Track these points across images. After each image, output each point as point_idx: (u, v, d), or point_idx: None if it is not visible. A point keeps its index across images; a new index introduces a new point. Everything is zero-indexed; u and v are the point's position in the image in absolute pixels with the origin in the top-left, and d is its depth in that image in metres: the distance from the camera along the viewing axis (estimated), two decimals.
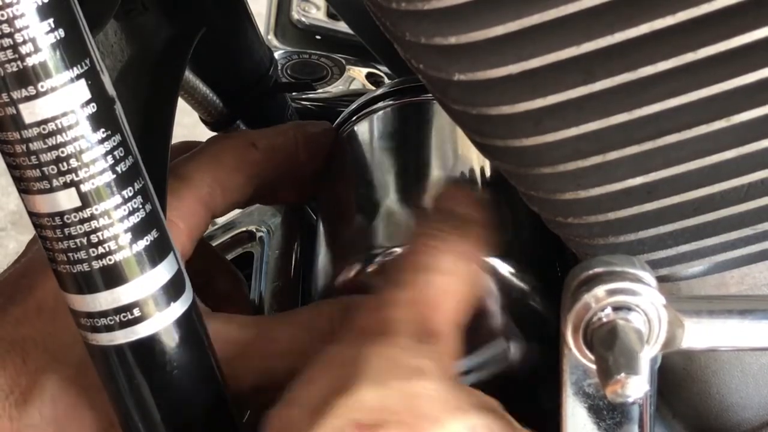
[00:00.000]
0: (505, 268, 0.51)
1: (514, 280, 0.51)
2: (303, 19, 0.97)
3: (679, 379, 0.52)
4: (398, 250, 0.51)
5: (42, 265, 0.48)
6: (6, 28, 0.36)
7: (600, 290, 0.39)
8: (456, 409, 0.41)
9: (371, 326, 0.43)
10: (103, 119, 0.38)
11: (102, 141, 0.38)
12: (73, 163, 0.38)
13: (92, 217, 0.39)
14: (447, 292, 0.45)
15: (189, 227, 0.52)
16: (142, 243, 0.40)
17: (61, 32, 0.37)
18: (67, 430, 0.46)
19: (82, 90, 0.38)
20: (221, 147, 0.57)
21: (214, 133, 0.72)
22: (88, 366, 0.46)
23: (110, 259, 0.40)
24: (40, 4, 0.36)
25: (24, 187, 0.39)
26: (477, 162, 0.57)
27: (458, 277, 0.45)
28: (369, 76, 0.88)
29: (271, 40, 0.96)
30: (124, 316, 0.41)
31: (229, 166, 0.56)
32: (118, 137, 0.39)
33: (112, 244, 0.39)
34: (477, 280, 0.48)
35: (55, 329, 0.47)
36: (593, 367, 0.40)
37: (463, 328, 0.45)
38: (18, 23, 0.36)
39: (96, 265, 0.40)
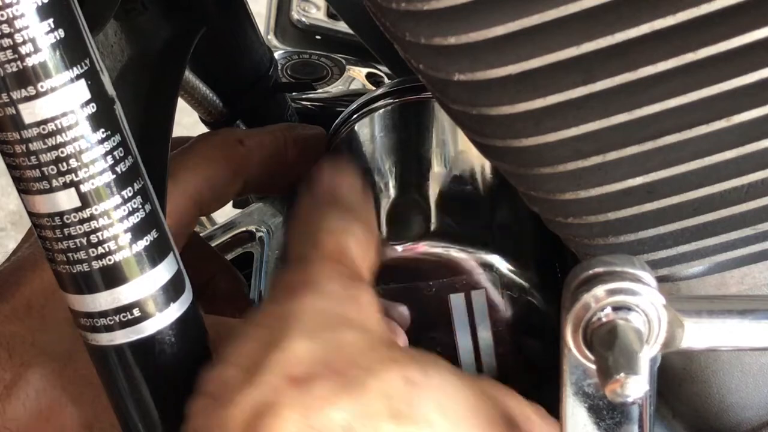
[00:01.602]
0: (503, 265, 0.51)
1: (514, 276, 0.51)
2: (303, 19, 0.97)
3: (679, 379, 0.52)
4: (399, 247, 0.51)
5: (31, 263, 0.49)
6: (6, 28, 0.36)
7: (600, 290, 0.39)
8: (389, 359, 0.41)
9: (295, 282, 0.44)
10: (102, 119, 0.38)
11: (102, 141, 0.38)
12: (73, 163, 0.38)
13: (92, 218, 0.39)
14: (355, 248, 0.47)
15: (177, 224, 0.52)
16: (142, 243, 0.40)
17: (61, 32, 0.37)
18: (51, 423, 0.46)
19: (81, 90, 0.38)
20: (208, 143, 0.58)
21: None
22: (74, 360, 0.46)
23: (110, 259, 0.40)
24: (40, 4, 0.36)
25: (24, 187, 0.39)
26: (477, 160, 0.57)
27: (362, 236, 0.47)
28: (369, 76, 0.88)
29: (271, 40, 0.96)
30: (124, 316, 0.41)
31: (216, 163, 0.57)
32: (117, 137, 0.39)
33: (111, 244, 0.39)
34: (375, 245, 0.49)
35: (44, 326, 0.47)
36: (593, 366, 0.40)
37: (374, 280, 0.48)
38: (18, 23, 0.36)
39: (96, 265, 0.40)
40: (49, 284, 0.48)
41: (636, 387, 0.36)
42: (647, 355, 0.40)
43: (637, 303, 0.39)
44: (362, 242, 0.47)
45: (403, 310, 0.52)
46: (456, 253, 0.51)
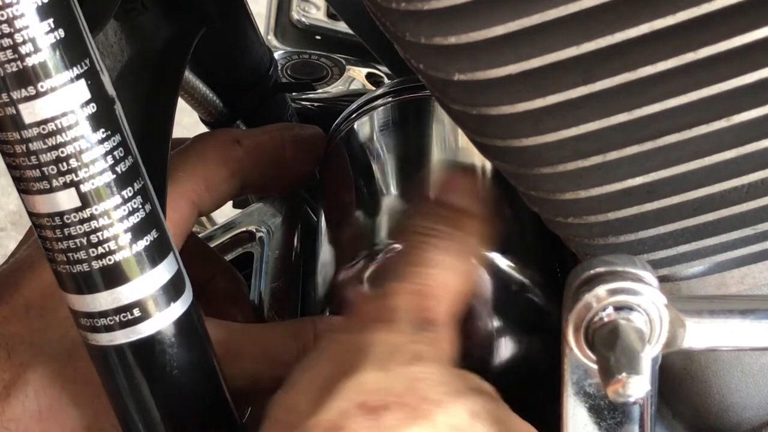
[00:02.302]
0: (504, 262, 0.51)
1: (515, 273, 0.51)
2: (303, 19, 0.97)
3: (679, 379, 0.52)
4: (399, 246, 0.51)
5: (29, 264, 0.49)
6: (6, 28, 0.36)
7: (601, 290, 0.39)
8: (456, 392, 0.42)
9: (372, 315, 0.45)
10: (103, 119, 0.38)
11: (102, 141, 0.38)
12: (73, 163, 0.38)
13: (92, 217, 0.39)
14: (444, 284, 0.46)
15: (175, 225, 0.52)
16: (142, 243, 0.40)
17: (61, 32, 0.37)
18: (50, 423, 0.46)
19: (81, 90, 0.38)
20: (206, 144, 0.58)
21: None
22: (74, 360, 0.46)
23: (110, 259, 0.40)
24: (40, 4, 0.36)
25: (24, 187, 0.39)
26: (477, 157, 0.57)
27: (454, 271, 0.47)
28: (369, 76, 0.88)
29: (271, 40, 0.96)
30: (124, 316, 0.41)
31: (213, 162, 0.57)
32: (118, 137, 0.39)
33: (111, 244, 0.39)
34: (472, 274, 0.49)
35: (43, 326, 0.48)
36: (594, 366, 0.40)
37: (459, 319, 0.46)
38: (18, 23, 0.36)
39: (96, 265, 0.40)
40: (48, 285, 0.48)
41: (638, 387, 0.36)
42: (649, 354, 0.40)
43: (638, 303, 0.39)
44: (451, 277, 0.46)
45: None
46: None
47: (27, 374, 0.46)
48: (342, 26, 0.94)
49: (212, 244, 0.74)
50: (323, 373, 0.42)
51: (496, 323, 0.52)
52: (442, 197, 0.50)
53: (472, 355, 0.53)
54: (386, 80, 0.87)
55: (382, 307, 0.45)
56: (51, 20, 0.36)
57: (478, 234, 0.49)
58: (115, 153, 0.39)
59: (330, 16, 0.97)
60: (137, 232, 0.40)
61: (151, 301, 0.41)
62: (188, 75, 0.67)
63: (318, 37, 0.96)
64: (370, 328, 0.44)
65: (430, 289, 0.46)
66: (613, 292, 0.39)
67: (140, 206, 0.40)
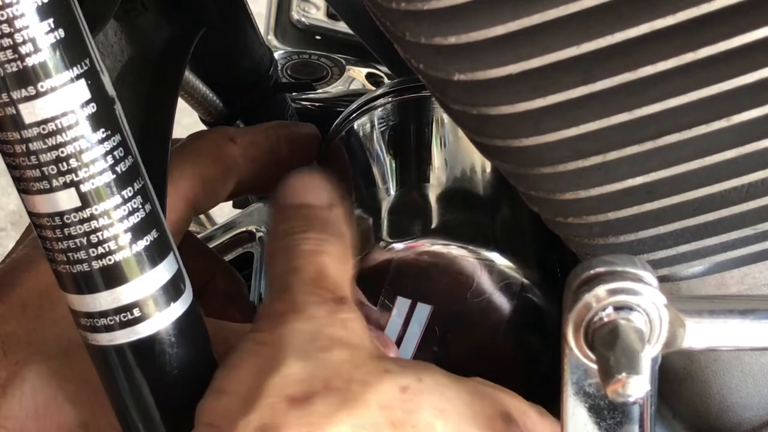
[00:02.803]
0: (503, 262, 0.51)
1: (514, 273, 0.51)
2: (303, 19, 0.97)
3: (679, 379, 0.52)
4: (399, 245, 0.52)
5: (25, 264, 0.49)
6: (6, 28, 0.35)
7: (601, 290, 0.39)
8: (382, 370, 0.42)
9: (280, 308, 0.44)
10: (103, 119, 0.38)
11: (102, 141, 0.38)
12: (73, 163, 0.38)
13: (92, 217, 0.39)
14: (333, 268, 0.46)
15: (171, 224, 0.53)
16: (142, 243, 0.40)
17: (61, 32, 0.37)
18: (47, 421, 0.46)
19: (82, 90, 0.38)
20: (200, 142, 0.58)
21: None
22: (71, 359, 0.46)
23: (110, 259, 0.40)
24: (40, 4, 0.36)
25: (24, 187, 0.39)
26: (477, 158, 0.57)
27: (337, 255, 0.47)
28: (369, 76, 0.88)
29: (271, 40, 0.96)
30: (124, 316, 0.41)
31: (208, 160, 0.57)
32: (118, 137, 0.39)
33: (112, 244, 0.39)
34: (351, 252, 0.49)
35: (39, 325, 0.48)
36: (594, 366, 0.40)
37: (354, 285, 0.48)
38: (18, 23, 0.36)
39: (96, 265, 0.40)
40: (44, 284, 0.48)
41: (638, 387, 0.36)
42: (649, 354, 0.39)
43: (638, 303, 0.39)
44: (338, 258, 0.47)
45: (380, 315, 0.52)
46: (456, 250, 0.51)
47: (23, 372, 0.46)
48: (342, 26, 0.94)
49: (212, 244, 0.74)
50: (247, 372, 0.42)
51: (495, 323, 0.53)
52: (287, 201, 0.50)
53: (471, 355, 0.53)
54: (386, 80, 0.87)
55: (288, 301, 0.45)
56: (51, 20, 0.36)
57: (335, 217, 0.49)
58: (115, 153, 0.39)
59: (330, 16, 0.97)
60: (137, 232, 0.40)
61: (151, 301, 0.41)
62: (188, 75, 0.67)
63: (318, 37, 0.96)
64: (282, 321, 0.44)
65: (325, 275, 0.46)
66: (613, 292, 0.39)
67: (140, 206, 0.40)
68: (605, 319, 0.39)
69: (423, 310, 0.53)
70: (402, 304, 0.53)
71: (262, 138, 0.60)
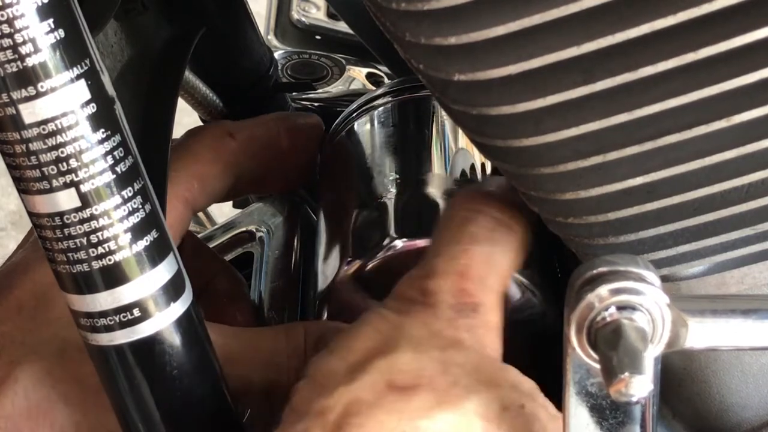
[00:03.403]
0: None
1: (514, 273, 0.51)
2: (303, 19, 0.97)
3: (679, 379, 0.52)
4: (399, 243, 0.52)
5: (23, 267, 0.49)
6: (6, 28, 0.35)
7: (604, 290, 0.39)
8: (490, 382, 0.42)
9: (413, 295, 0.45)
10: (103, 119, 0.38)
11: (102, 141, 0.38)
12: (73, 163, 0.38)
13: (92, 217, 0.39)
14: (487, 262, 0.45)
15: (170, 224, 0.52)
16: (142, 243, 0.40)
17: (61, 32, 0.37)
18: (40, 420, 0.47)
19: (82, 90, 0.38)
20: (197, 139, 0.58)
21: None
22: (65, 359, 0.46)
23: (110, 259, 0.40)
24: (40, 4, 0.36)
25: (24, 187, 0.39)
26: (477, 157, 0.57)
27: (500, 247, 0.46)
28: (369, 76, 0.88)
29: (271, 40, 0.96)
30: (124, 316, 0.41)
31: (205, 158, 0.56)
32: (118, 137, 0.39)
33: (111, 244, 0.39)
34: (521, 248, 0.47)
35: (34, 326, 0.48)
36: (596, 366, 0.40)
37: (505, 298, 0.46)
38: (18, 23, 0.36)
39: (96, 265, 0.40)
40: (41, 287, 0.48)
41: (641, 387, 0.36)
42: (651, 354, 0.39)
43: (641, 302, 0.39)
44: (499, 255, 0.45)
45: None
46: None
47: (17, 372, 0.47)
48: (342, 26, 0.94)
49: (212, 244, 0.74)
50: (362, 345, 0.43)
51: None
52: (486, 189, 0.49)
53: None
54: (386, 80, 0.87)
55: (422, 288, 0.45)
56: (51, 20, 0.36)
57: (521, 214, 0.47)
58: (115, 153, 0.39)
59: (330, 16, 0.97)
60: (137, 232, 0.40)
61: (151, 301, 0.41)
62: (188, 75, 0.67)
63: (318, 37, 0.96)
64: (410, 310, 0.44)
65: (474, 272, 0.45)
66: (616, 292, 0.39)
67: (140, 206, 0.40)
68: (608, 319, 0.39)
69: None
70: None
71: (261, 131, 0.60)
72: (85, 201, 0.39)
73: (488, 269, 0.45)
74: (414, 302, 0.44)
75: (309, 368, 0.44)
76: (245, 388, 0.50)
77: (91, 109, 0.38)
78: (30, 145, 0.37)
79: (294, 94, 0.82)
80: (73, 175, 0.38)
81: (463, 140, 0.58)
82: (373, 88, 0.84)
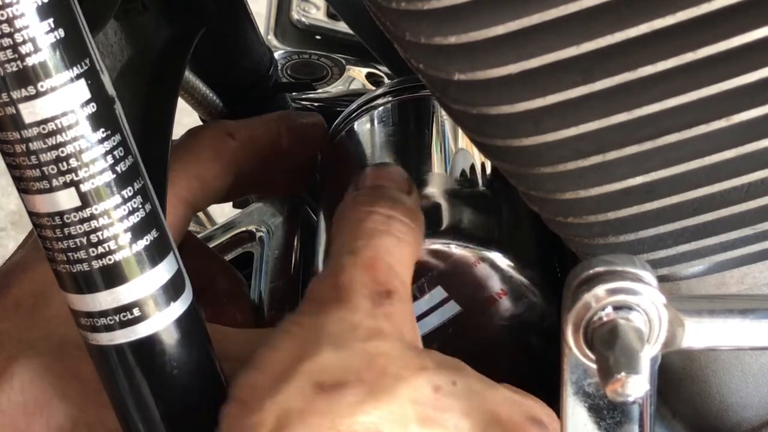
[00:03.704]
0: (504, 262, 0.51)
1: (514, 273, 0.51)
2: (303, 19, 0.97)
3: (678, 379, 0.52)
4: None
5: (21, 266, 0.50)
6: (6, 28, 0.36)
7: (600, 289, 0.39)
8: (418, 367, 0.42)
9: (327, 293, 0.44)
10: (103, 119, 0.38)
11: (102, 141, 0.38)
12: (73, 162, 0.38)
13: (92, 217, 0.39)
14: (391, 253, 0.46)
15: (169, 225, 0.52)
16: (142, 243, 0.40)
17: (61, 32, 0.37)
18: (35, 416, 0.47)
19: (81, 90, 0.38)
20: (197, 139, 0.57)
21: None
22: (62, 356, 0.46)
23: (110, 259, 0.40)
24: (40, 4, 0.36)
25: (24, 186, 0.39)
26: (477, 156, 0.57)
27: (396, 238, 0.46)
28: (369, 76, 0.88)
29: (271, 40, 0.96)
30: (124, 316, 0.41)
31: (205, 158, 0.56)
32: (117, 137, 0.39)
33: (111, 244, 0.39)
34: (417, 241, 0.48)
35: (31, 323, 0.48)
36: (594, 366, 0.40)
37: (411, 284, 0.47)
38: (18, 23, 0.36)
39: (96, 264, 0.40)
40: (39, 285, 0.48)
41: (637, 386, 0.37)
42: (648, 354, 0.40)
43: (638, 302, 0.39)
44: (403, 241, 0.46)
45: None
46: (457, 249, 0.51)
47: (13, 368, 0.47)
48: (342, 26, 0.94)
49: (212, 244, 0.74)
50: (283, 354, 0.43)
51: (495, 323, 0.53)
52: (365, 183, 0.50)
53: (470, 355, 0.53)
54: (386, 80, 0.87)
55: (335, 285, 0.44)
56: (51, 20, 0.36)
57: (409, 202, 0.48)
58: (115, 153, 0.39)
59: (330, 16, 0.97)
60: (137, 231, 0.40)
61: (151, 300, 0.41)
62: (188, 75, 0.67)
63: (318, 37, 0.96)
64: (325, 308, 0.44)
65: (381, 261, 0.45)
66: (612, 292, 0.39)
67: (140, 206, 0.40)
68: (604, 319, 0.39)
69: (451, 309, 0.53)
70: (438, 294, 0.52)
71: (261, 131, 0.60)
72: (85, 200, 0.39)
73: (393, 258, 0.46)
74: (328, 301, 0.44)
75: (232, 389, 0.43)
76: None
77: (91, 108, 0.38)
78: (30, 144, 0.37)
79: (294, 94, 0.82)
80: (73, 174, 0.38)
81: (463, 140, 0.58)
82: (373, 88, 0.84)
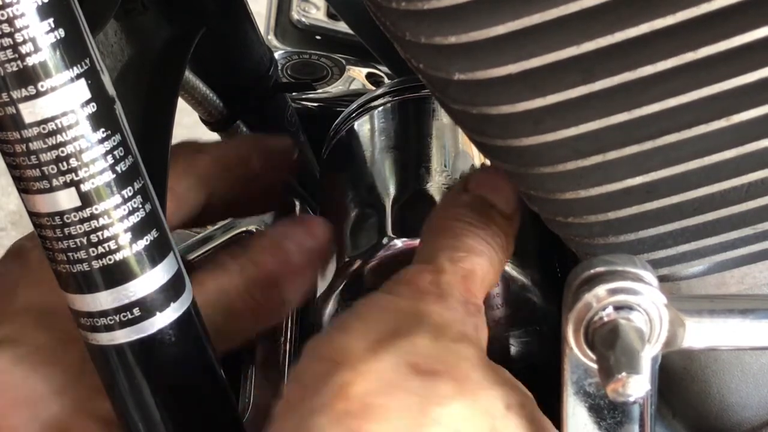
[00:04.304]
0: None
1: (514, 273, 0.51)
2: (303, 19, 0.97)
3: (679, 379, 0.52)
4: (398, 243, 0.52)
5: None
6: (6, 28, 0.36)
7: (601, 289, 0.39)
8: (494, 381, 0.42)
9: (425, 286, 0.45)
10: (103, 119, 0.38)
11: (102, 141, 0.38)
12: (73, 162, 0.38)
13: (92, 217, 0.39)
14: (486, 273, 0.47)
15: None
16: (142, 243, 0.40)
17: (61, 32, 0.37)
18: (18, 401, 0.46)
19: (82, 90, 0.38)
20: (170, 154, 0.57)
21: (214, 134, 0.72)
22: (54, 346, 0.46)
23: (110, 259, 0.40)
24: (40, 4, 0.36)
25: (24, 186, 0.39)
26: (477, 157, 0.57)
27: (492, 262, 0.47)
28: (369, 76, 0.88)
29: (271, 40, 0.96)
30: (125, 316, 0.41)
31: (177, 171, 0.55)
32: (118, 137, 0.39)
33: (111, 244, 0.39)
34: (502, 268, 0.49)
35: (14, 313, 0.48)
36: (594, 366, 0.40)
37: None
38: (18, 23, 0.36)
39: (96, 264, 0.40)
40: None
41: (638, 386, 0.37)
42: (649, 354, 0.40)
43: (638, 302, 0.39)
44: (491, 268, 0.47)
45: None
46: None
47: None
48: (342, 26, 0.95)
49: (212, 244, 0.74)
50: (377, 326, 0.43)
51: (495, 323, 0.53)
52: (477, 190, 0.50)
53: None
54: (386, 80, 0.87)
55: (435, 281, 0.45)
56: (51, 20, 0.36)
57: (509, 231, 0.49)
58: (115, 152, 0.39)
59: (330, 16, 0.97)
60: (137, 231, 0.40)
61: (151, 300, 0.41)
62: (188, 75, 0.67)
63: (318, 37, 0.96)
64: (424, 298, 0.44)
65: (476, 277, 0.46)
66: (613, 292, 0.39)
67: (140, 206, 0.40)
68: (605, 319, 0.39)
69: None
70: None
71: (232, 150, 0.60)
72: (85, 200, 0.39)
73: (485, 279, 0.47)
74: (427, 292, 0.45)
75: (312, 348, 0.43)
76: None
77: (91, 108, 0.38)
78: (30, 144, 0.37)
79: (294, 94, 0.82)
80: (73, 174, 0.38)
81: (463, 140, 0.58)
82: (373, 88, 0.84)
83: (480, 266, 0.47)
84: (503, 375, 0.44)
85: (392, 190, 0.56)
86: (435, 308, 0.44)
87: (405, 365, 0.41)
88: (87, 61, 0.38)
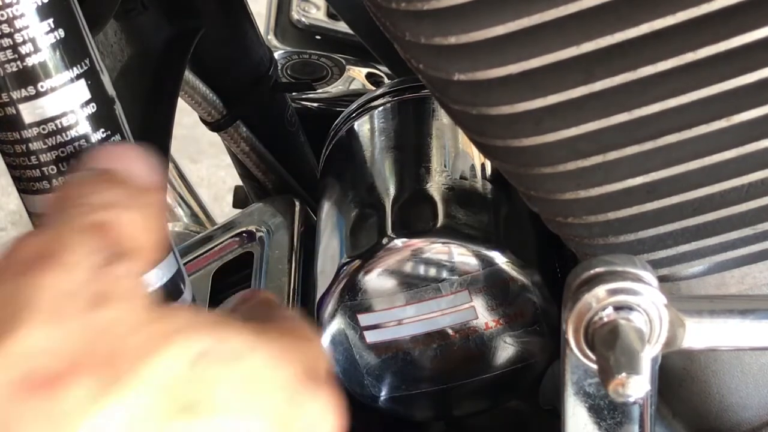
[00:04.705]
0: (504, 261, 0.51)
1: (514, 273, 0.51)
2: (303, 19, 0.97)
3: (679, 379, 0.52)
4: (398, 243, 0.52)
5: None
6: (6, 28, 0.36)
7: (601, 290, 0.39)
8: (165, 334, 0.31)
9: (37, 252, 0.32)
10: (103, 119, 0.38)
11: (102, 141, 0.38)
12: (73, 163, 0.38)
13: None
14: (131, 221, 0.34)
15: None
16: None
17: (60, 32, 0.37)
18: None
19: (81, 90, 0.38)
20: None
21: (214, 133, 0.72)
22: None
23: None
24: (40, 4, 0.36)
25: (24, 187, 0.39)
26: (477, 157, 0.57)
27: (139, 207, 0.35)
28: (369, 76, 0.88)
29: (271, 40, 0.96)
30: None
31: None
32: (118, 137, 0.39)
33: None
34: (161, 211, 0.37)
35: None
36: (594, 366, 0.40)
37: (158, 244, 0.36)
38: (18, 23, 0.36)
39: None
40: None
41: (638, 387, 0.37)
42: (649, 354, 0.40)
43: (638, 303, 0.39)
44: (138, 219, 0.35)
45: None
46: (457, 248, 0.51)
47: None
48: (342, 26, 0.94)
49: (212, 244, 0.74)
50: None
51: (495, 323, 0.53)
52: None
53: (470, 354, 0.53)
54: (386, 80, 0.87)
55: (50, 242, 0.32)
56: (51, 20, 0.36)
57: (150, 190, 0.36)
58: None
59: (330, 16, 0.97)
60: None
61: None
62: (188, 75, 0.67)
63: (318, 37, 0.96)
64: (33, 268, 0.31)
65: (114, 224, 0.34)
66: (613, 292, 0.39)
67: None
68: (605, 319, 0.39)
69: (466, 315, 0.53)
70: (462, 297, 0.52)
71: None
72: None
73: (132, 225, 0.34)
74: (34, 259, 0.32)
75: None
76: None
77: (91, 108, 0.38)
78: (30, 144, 0.37)
79: (294, 94, 0.82)
80: None
81: (463, 140, 0.58)
82: (373, 88, 0.84)
83: (118, 215, 0.33)
84: (181, 318, 0.32)
85: (392, 190, 0.56)
86: (48, 278, 0.31)
87: (17, 386, 0.29)
88: (87, 61, 0.38)
